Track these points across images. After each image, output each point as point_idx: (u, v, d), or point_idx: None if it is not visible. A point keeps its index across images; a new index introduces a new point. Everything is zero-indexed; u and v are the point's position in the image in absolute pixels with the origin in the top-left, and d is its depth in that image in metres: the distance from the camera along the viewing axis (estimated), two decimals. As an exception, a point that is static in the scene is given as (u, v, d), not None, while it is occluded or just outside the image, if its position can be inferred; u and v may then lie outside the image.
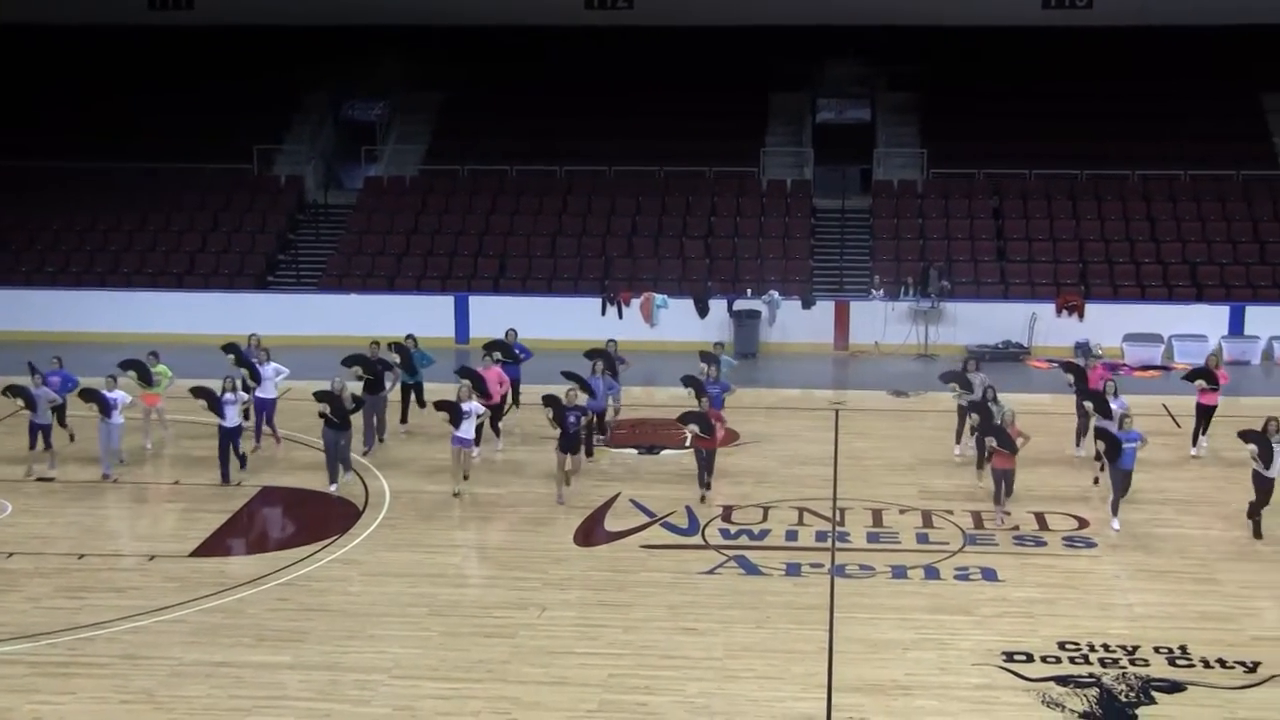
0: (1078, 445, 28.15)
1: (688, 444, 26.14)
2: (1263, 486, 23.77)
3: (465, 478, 26.18)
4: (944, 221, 41.53)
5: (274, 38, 46.58)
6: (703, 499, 25.57)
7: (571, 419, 25.60)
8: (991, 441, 24.33)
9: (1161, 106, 43.73)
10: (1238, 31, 43.69)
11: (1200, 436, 28.14)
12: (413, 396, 29.97)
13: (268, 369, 28.61)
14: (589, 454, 27.66)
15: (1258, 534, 23.75)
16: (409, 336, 30.22)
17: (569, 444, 25.66)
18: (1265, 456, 23.57)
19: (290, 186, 45.00)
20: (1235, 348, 37.07)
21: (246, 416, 27.78)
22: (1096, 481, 26.01)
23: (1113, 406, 25.81)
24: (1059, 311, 38.02)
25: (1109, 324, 37.68)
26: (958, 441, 28.15)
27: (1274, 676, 19.11)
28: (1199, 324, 37.81)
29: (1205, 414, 27.87)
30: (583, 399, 27.02)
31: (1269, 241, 40.20)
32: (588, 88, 45.49)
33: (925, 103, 45.41)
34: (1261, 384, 27.44)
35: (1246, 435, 24.02)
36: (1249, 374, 34.87)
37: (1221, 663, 19.50)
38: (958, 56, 45.12)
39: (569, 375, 27.65)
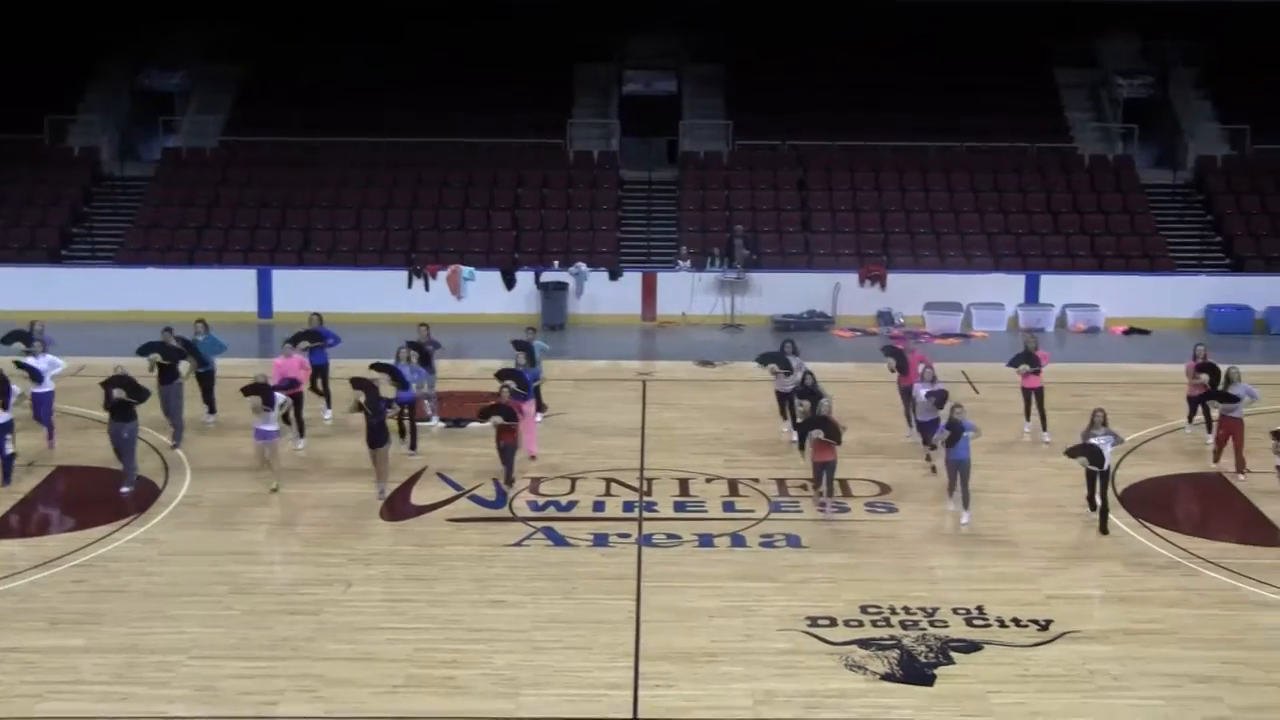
0: (911, 427, 27.53)
1: (488, 422, 25.41)
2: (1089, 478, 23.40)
3: (273, 470, 24.92)
4: (749, 193, 41.86)
5: (68, 2, 45.26)
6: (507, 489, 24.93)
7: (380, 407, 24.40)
8: (818, 433, 23.72)
9: (960, 80, 44.48)
10: (1032, 6, 44.56)
11: (1032, 419, 27.77)
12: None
13: (42, 362, 26.98)
14: (412, 447, 26.79)
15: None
16: (199, 322, 28.73)
17: (376, 437, 24.43)
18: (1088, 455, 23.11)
19: (84, 157, 43.83)
20: (1030, 315, 37.99)
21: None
22: (934, 470, 25.51)
23: (923, 391, 25.70)
24: (862, 281, 38.55)
25: (910, 293, 38.31)
26: (784, 418, 27.87)
27: (1066, 633, 19.63)
28: (996, 293, 38.63)
29: (1029, 396, 27.74)
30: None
31: (1062, 212, 41.18)
32: (392, 59, 45.00)
33: (731, 75, 45.69)
34: (1055, 350, 28.14)
35: (1073, 451, 23.31)
36: (1044, 341, 35.65)
37: (1016, 622, 19.99)
38: (763, 28, 45.44)
39: (379, 367, 26.37)
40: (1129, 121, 44.43)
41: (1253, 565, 22.01)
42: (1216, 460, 26.15)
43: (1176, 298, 38.66)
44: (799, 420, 25.91)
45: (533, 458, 26.23)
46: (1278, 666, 18.93)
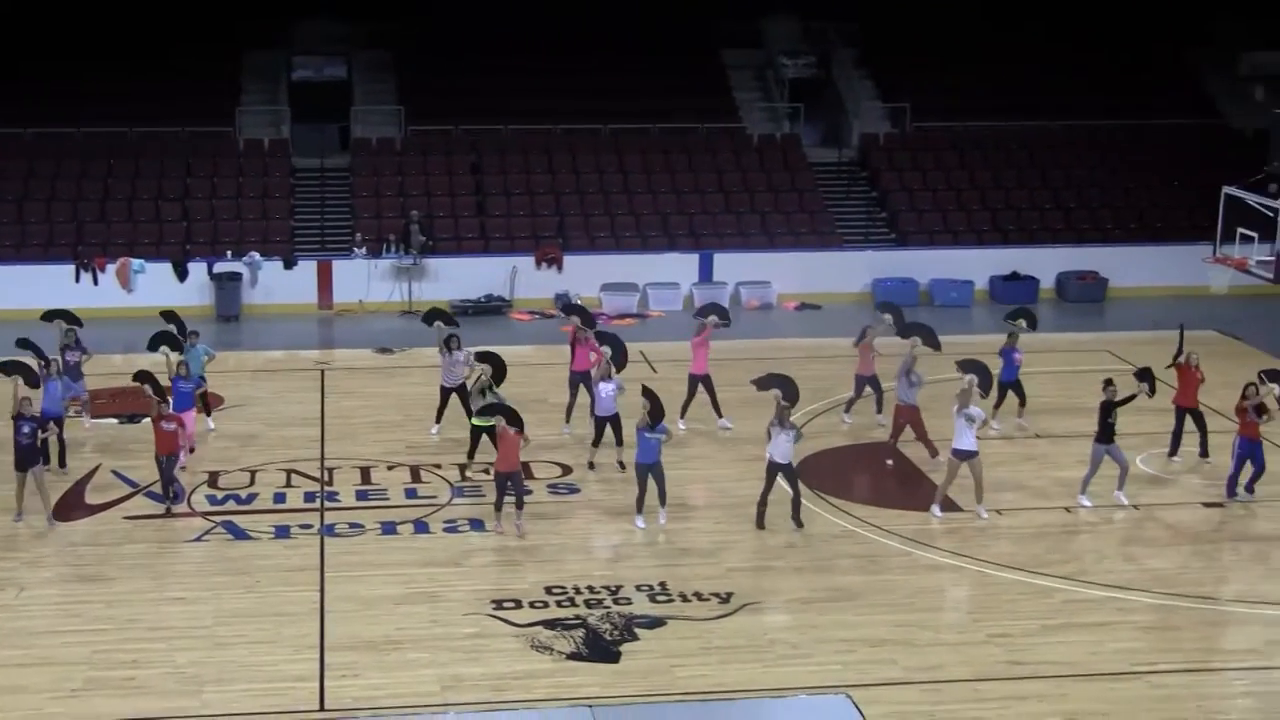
0: (568, 423, 27.41)
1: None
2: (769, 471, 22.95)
3: None
4: (424, 178, 41.61)
5: None
6: (168, 510, 23.30)
7: (25, 430, 22.48)
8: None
9: (629, 62, 44.93)
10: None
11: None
12: None
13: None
14: (61, 464, 25.02)
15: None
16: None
17: (26, 458, 22.55)
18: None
19: None
20: (705, 294, 38.61)
21: None
22: (622, 466, 25.15)
23: (609, 388, 25.05)
24: (538, 264, 38.69)
25: (587, 275, 38.58)
26: (438, 421, 27.43)
27: (746, 605, 20.08)
28: (672, 272, 39.21)
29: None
30: (39, 406, 24.05)
31: (733, 191, 41.98)
32: (49, 46, 43.33)
33: (402, 60, 45.31)
34: (731, 328, 28.74)
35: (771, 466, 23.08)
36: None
37: (698, 596, 20.36)
38: (432, 12, 45.15)
39: (8, 367, 24.68)
40: (795, 101, 45.52)
41: (923, 531, 22.84)
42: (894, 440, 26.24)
43: (845, 272, 39.81)
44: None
45: (191, 449, 25.44)
46: (948, 627, 19.70)
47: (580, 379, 27.02)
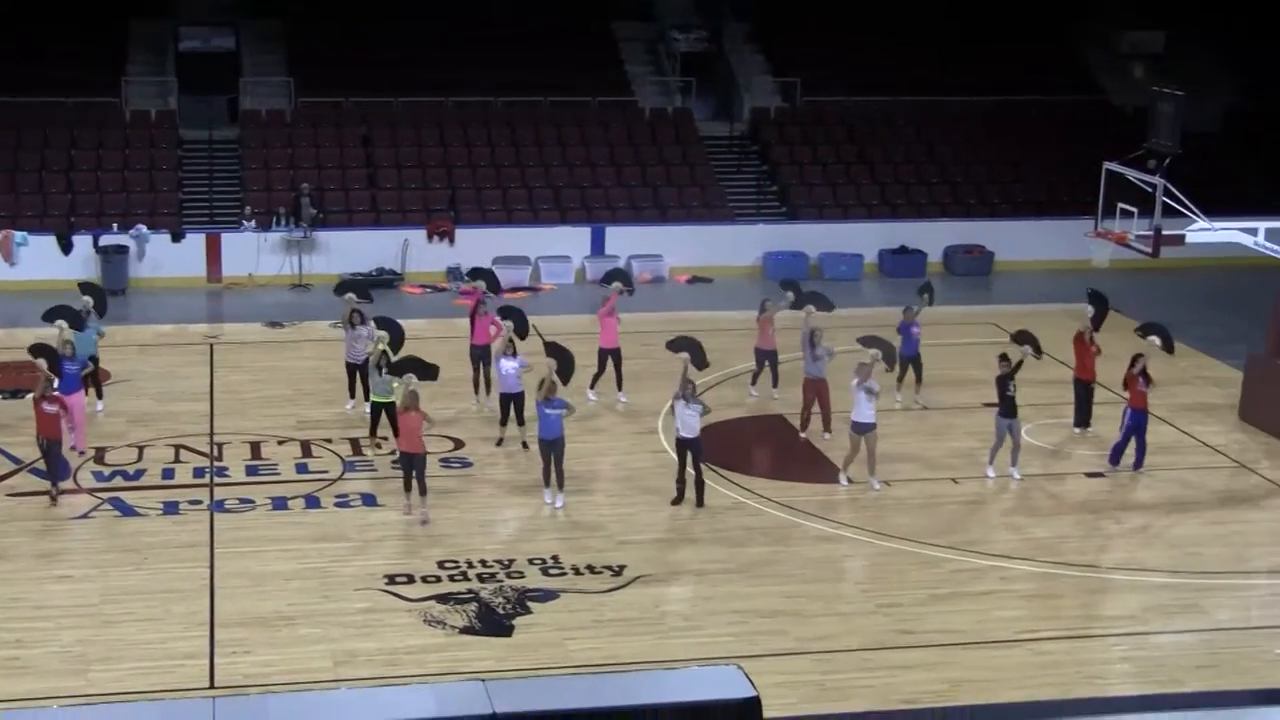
0: (477, 394, 27.41)
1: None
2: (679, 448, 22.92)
3: None
4: (314, 150, 41.28)
5: None
6: (52, 497, 22.63)
7: None
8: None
9: (520, 33, 44.76)
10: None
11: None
12: None
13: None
14: None
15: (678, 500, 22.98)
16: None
17: None
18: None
19: None
20: (597, 267, 38.65)
21: None
22: (525, 446, 24.91)
23: (511, 365, 24.80)
24: (430, 237, 38.55)
25: (479, 248, 38.38)
26: (352, 395, 27.30)
27: (638, 578, 20.22)
28: (564, 245, 39.21)
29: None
30: None
31: (625, 165, 42.04)
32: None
33: (291, 30, 44.87)
34: (624, 301, 28.77)
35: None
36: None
37: (591, 569, 20.48)
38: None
39: None
40: (686, 75, 45.60)
41: (812, 502, 23.09)
42: (804, 428, 26.26)
43: (736, 246, 40.02)
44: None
45: (81, 453, 24.47)
46: (838, 597, 19.96)
47: (480, 354, 26.98)
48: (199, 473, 23.95)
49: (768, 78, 45.60)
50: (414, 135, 42.00)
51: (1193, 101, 31.29)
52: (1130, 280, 35.98)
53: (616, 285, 28.07)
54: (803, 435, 26.04)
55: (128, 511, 22.27)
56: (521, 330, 26.16)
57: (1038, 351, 25.20)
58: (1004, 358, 24.29)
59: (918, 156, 43.69)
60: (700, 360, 23.78)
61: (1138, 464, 24.66)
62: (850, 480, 23.74)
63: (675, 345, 24.24)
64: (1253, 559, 21.67)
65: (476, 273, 29.19)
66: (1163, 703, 17.57)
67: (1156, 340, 25.26)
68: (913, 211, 41.71)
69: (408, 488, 22.28)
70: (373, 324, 26.08)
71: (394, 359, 24.29)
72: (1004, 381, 23.90)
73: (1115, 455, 24.76)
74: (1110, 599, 20.33)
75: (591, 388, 27.45)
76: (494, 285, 27.99)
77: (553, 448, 22.60)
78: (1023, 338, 25.29)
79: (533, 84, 43.48)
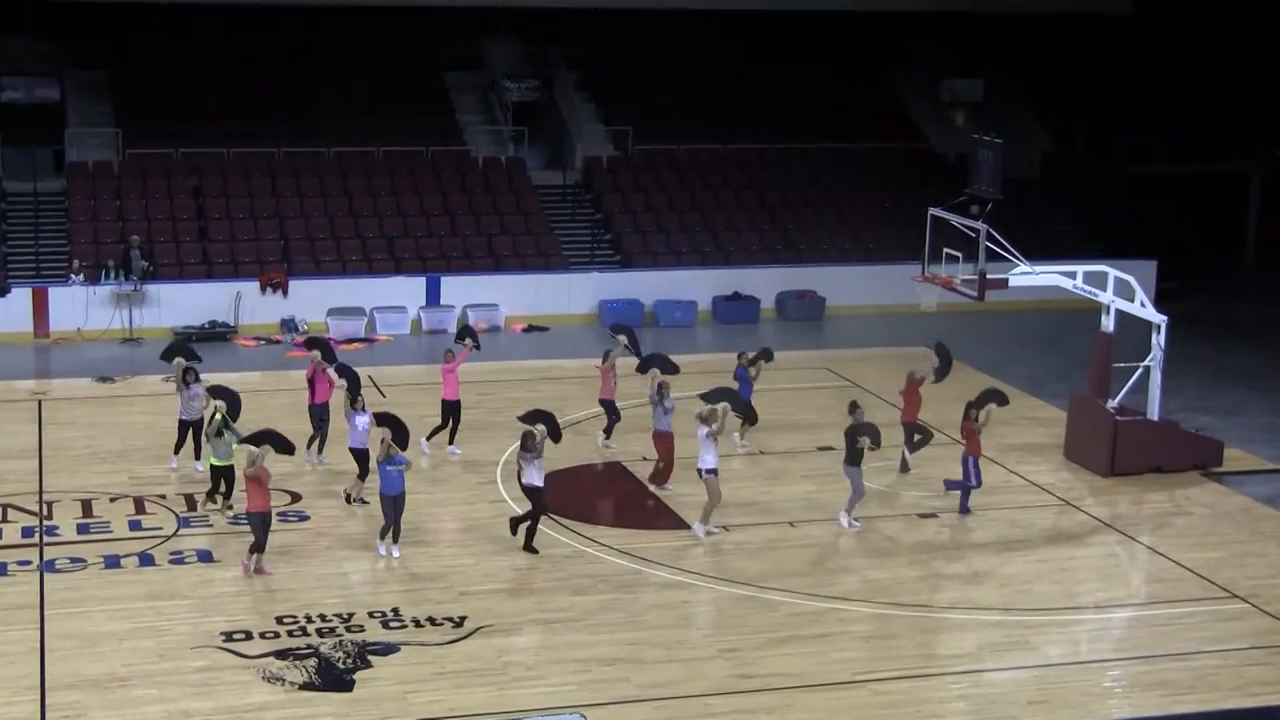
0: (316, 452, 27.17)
1: None
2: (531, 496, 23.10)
3: None
4: (143, 202, 40.73)
5: None
6: None
7: None
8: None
9: (352, 83, 44.64)
10: (419, 10, 45.28)
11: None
12: None
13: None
14: None
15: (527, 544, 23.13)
16: None
17: None
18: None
19: None
20: (433, 317, 38.63)
21: None
22: (349, 500, 24.91)
23: (362, 419, 24.60)
24: (263, 289, 38.21)
25: (313, 299, 38.22)
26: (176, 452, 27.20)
27: (480, 628, 20.19)
28: (399, 295, 39.07)
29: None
30: None
31: (459, 214, 42.04)
32: None
33: (118, 81, 44.28)
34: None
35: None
36: (445, 341, 36.44)
37: (432, 621, 20.41)
38: (147, 31, 44.22)
39: None
40: (519, 124, 45.77)
41: (650, 549, 23.22)
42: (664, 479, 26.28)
43: (572, 294, 40.19)
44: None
45: None
46: (678, 643, 20.08)
47: (321, 412, 26.79)
48: (28, 532, 23.48)
49: (599, 126, 45.94)
50: (245, 186, 41.65)
51: (1012, 149, 32.16)
52: (957, 323, 36.72)
53: (469, 342, 28.04)
54: (668, 488, 26.02)
55: (-46, 574, 21.78)
56: (354, 389, 25.83)
57: (876, 443, 25.08)
58: (855, 406, 24.72)
59: (749, 203, 44.24)
60: (555, 432, 23.78)
61: (963, 506, 25.17)
62: (717, 529, 23.91)
63: (530, 418, 24.04)
64: (1080, 594, 22.21)
65: (312, 343, 28.63)
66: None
67: (993, 406, 25.72)
68: (745, 258, 42.20)
69: (262, 548, 22.00)
70: (203, 383, 25.99)
71: (245, 434, 23.82)
72: (853, 433, 24.16)
73: (964, 504, 25.23)
74: (945, 638, 20.71)
75: (427, 439, 27.39)
76: (329, 355, 27.49)
77: (395, 503, 22.56)
78: (866, 429, 25.12)
79: (365, 132, 43.37)
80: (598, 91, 47.04)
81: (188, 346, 28.38)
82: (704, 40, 47.18)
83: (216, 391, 25.32)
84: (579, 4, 45.76)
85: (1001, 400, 26.26)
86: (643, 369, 27.72)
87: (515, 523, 23.21)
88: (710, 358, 32.76)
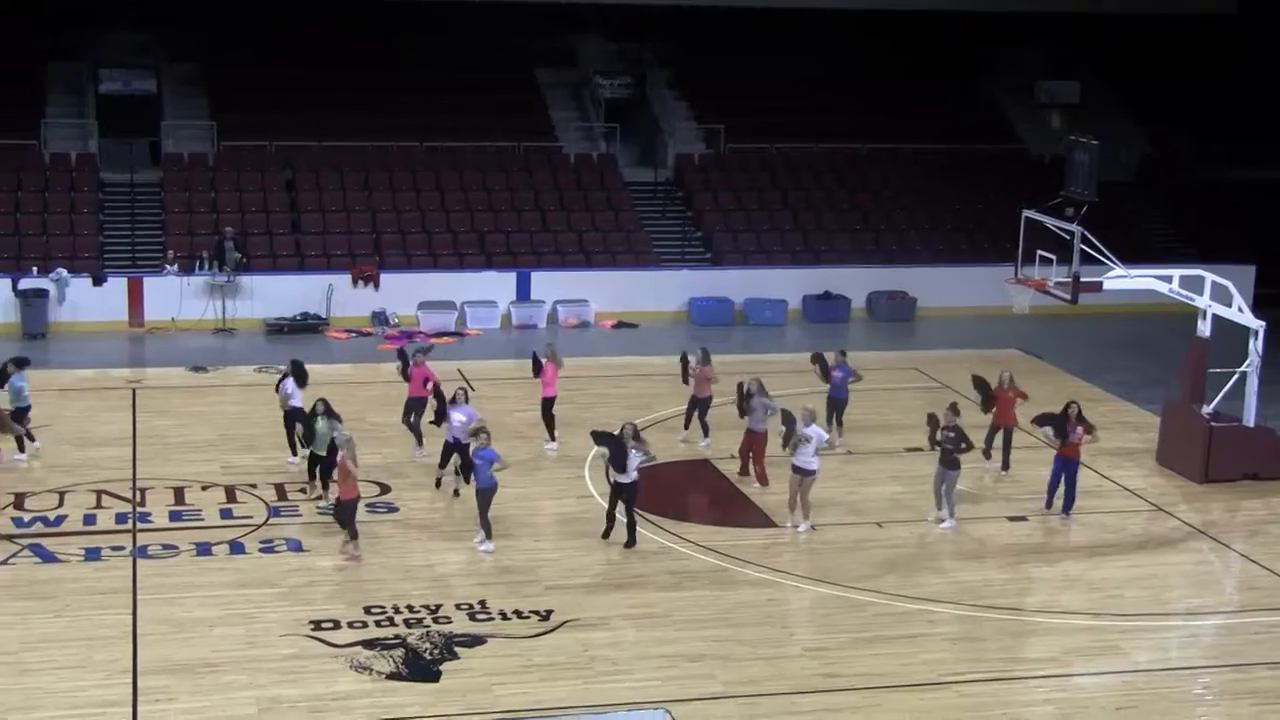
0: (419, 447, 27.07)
1: None
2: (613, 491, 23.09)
3: None
4: (237, 194, 41.12)
5: None
6: None
7: None
8: None
9: (446, 79, 44.87)
10: (510, 8, 45.46)
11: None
12: None
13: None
14: None
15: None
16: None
17: None
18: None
19: None
20: (523, 312, 38.74)
21: None
22: (457, 494, 24.99)
23: (460, 416, 24.57)
24: (355, 282, 38.46)
25: (404, 293, 38.48)
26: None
27: (566, 622, 20.20)
28: (489, 290, 39.23)
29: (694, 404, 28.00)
30: None
31: (550, 210, 42.12)
32: None
33: (212, 74, 44.73)
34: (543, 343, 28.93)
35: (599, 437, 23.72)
36: (538, 337, 36.55)
37: (518, 614, 20.44)
38: (242, 26, 44.66)
39: None
40: (611, 121, 45.81)
41: (738, 546, 23.16)
42: (744, 472, 26.28)
43: (661, 292, 40.19)
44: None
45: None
46: (764, 641, 20.00)
47: (416, 405, 26.78)
48: (121, 518, 23.73)
49: (691, 124, 45.90)
50: (338, 180, 41.93)
51: (1107, 151, 31.80)
52: (1049, 326, 36.42)
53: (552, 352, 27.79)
54: (757, 486, 25.93)
55: (48, 558, 22.01)
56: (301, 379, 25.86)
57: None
58: (954, 409, 24.50)
59: (840, 203, 44.06)
60: (619, 458, 23.30)
61: (1066, 509, 24.90)
62: (796, 525, 23.83)
63: (598, 439, 23.95)
64: (1171, 601, 21.95)
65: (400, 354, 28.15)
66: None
67: (1049, 431, 25.32)
68: (836, 258, 42.02)
69: (354, 535, 22.24)
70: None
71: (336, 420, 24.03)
72: (955, 437, 23.99)
73: (1051, 497, 25.05)
74: (1033, 641, 20.51)
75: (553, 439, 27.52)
76: (301, 380, 26.76)
77: (479, 496, 22.61)
78: (1044, 420, 25.04)
79: (457, 129, 43.57)
80: (690, 89, 47.00)
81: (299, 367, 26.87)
82: (796, 39, 47.04)
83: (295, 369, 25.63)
84: (672, 0, 45.82)
85: (1058, 428, 25.74)
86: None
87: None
88: (798, 357, 32.59)
